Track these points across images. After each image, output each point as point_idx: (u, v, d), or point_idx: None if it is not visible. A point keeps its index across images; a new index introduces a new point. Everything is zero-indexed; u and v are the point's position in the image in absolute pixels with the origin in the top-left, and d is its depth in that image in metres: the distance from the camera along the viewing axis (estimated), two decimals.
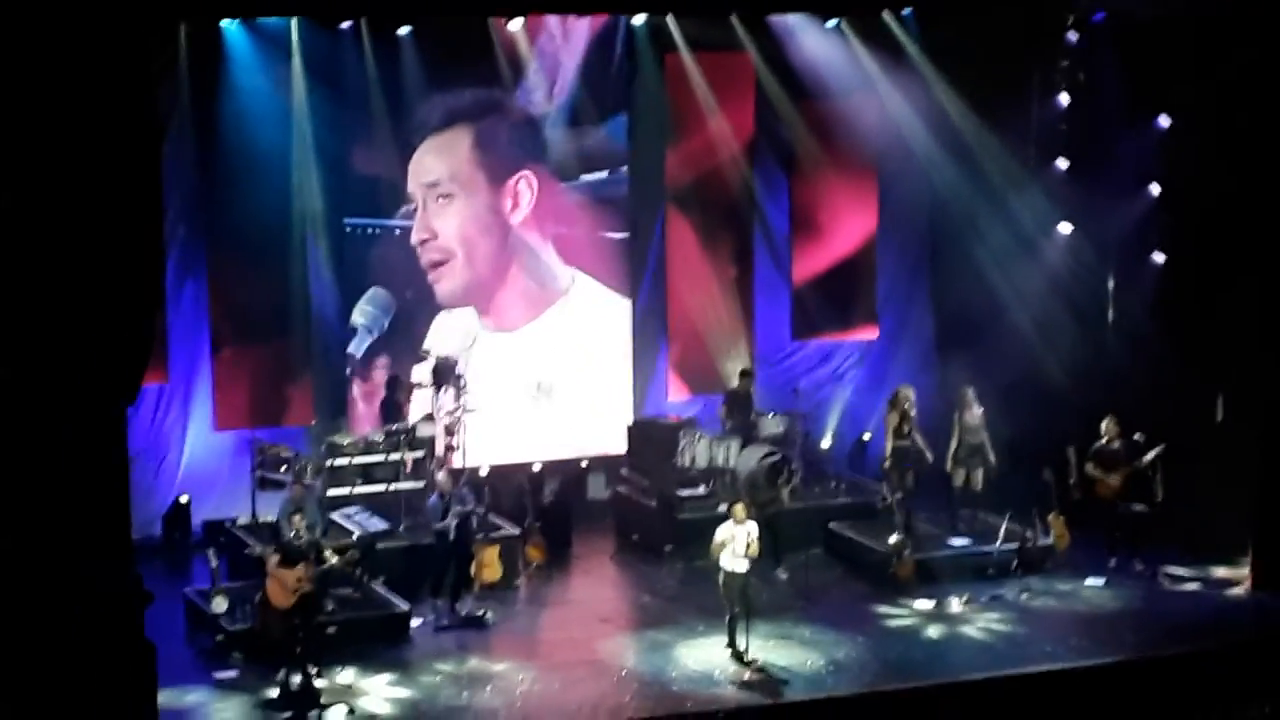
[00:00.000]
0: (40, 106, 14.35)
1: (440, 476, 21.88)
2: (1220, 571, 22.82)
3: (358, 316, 24.74)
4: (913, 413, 23.65)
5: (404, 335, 24.99)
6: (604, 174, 25.89)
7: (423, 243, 24.99)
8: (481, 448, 24.60)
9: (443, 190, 24.99)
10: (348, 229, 24.57)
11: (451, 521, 21.14)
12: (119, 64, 14.74)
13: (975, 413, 23.82)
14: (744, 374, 25.23)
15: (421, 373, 24.34)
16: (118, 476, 15.71)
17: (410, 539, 22.17)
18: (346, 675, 19.48)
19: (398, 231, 24.87)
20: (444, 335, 25.13)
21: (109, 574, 15.66)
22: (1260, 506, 22.41)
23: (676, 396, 26.42)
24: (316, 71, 23.86)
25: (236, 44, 23.39)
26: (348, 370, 24.74)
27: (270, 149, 23.77)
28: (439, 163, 24.96)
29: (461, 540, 21.33)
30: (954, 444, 23.78)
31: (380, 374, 24.57)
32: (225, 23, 23.00)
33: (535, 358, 25.77)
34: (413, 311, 25.08)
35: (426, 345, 24.84)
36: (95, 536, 15.33)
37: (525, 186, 25.44)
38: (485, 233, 25.30)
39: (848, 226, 27.11)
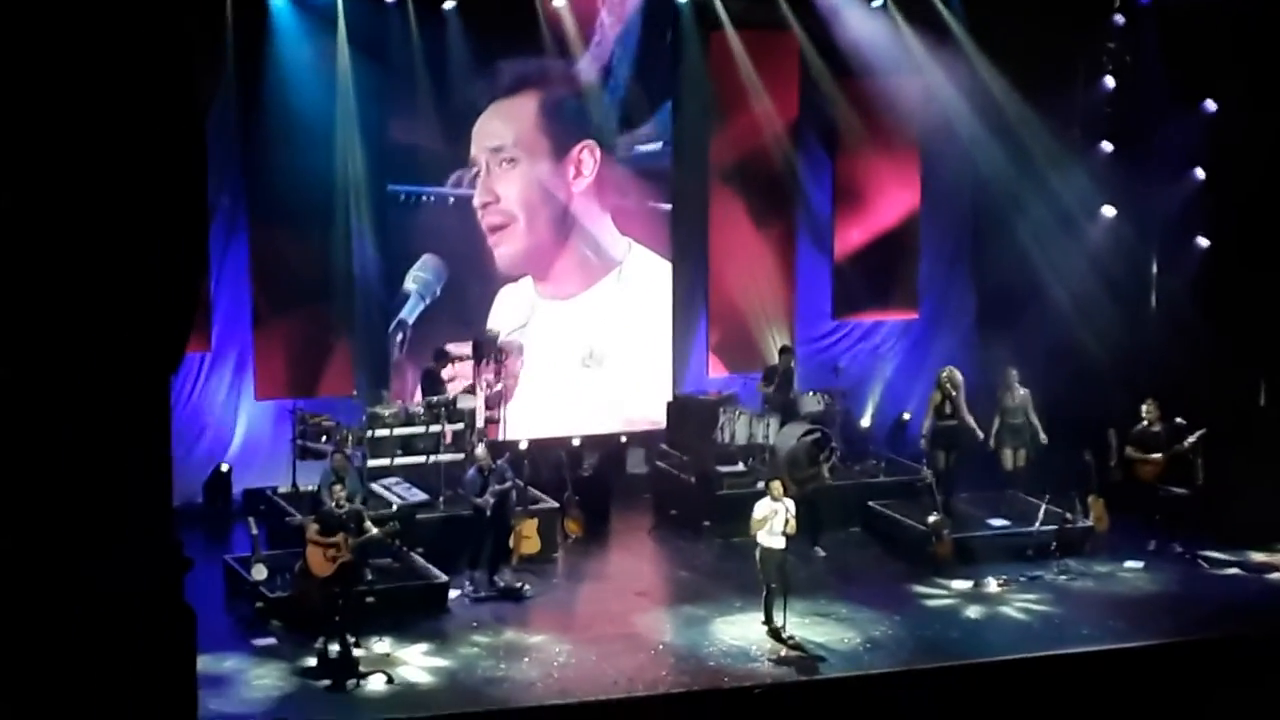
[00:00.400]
0: (87, 75, 14.42)
1: (479, 450, 21.93)
2: (1259, 556, 22.76)
3: (410, 283, 24.85)
4: (955, 393, 23.63)
5: (451, 305, 25.09)
6: (657, 145, 25.99)
7: (485, 206, 25.12)
8: (522, 421, 24.69)
9: (507, 155, 25.13)
10: (396, 196, 24.67)
11: (489, 499, 21.21)
12: (165, 34, 14.80)
13: (1018, 394, 23.81)
14: (784, 350, 25.23)
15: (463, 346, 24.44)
16: (160, 443, 15.77)
17: (449, 510, 22.23)
18: (384, 645, 19.53)
19: (451, 200, 24.97)
20: (504, 311, 25.29)
21: (151, 540, 15.76)
22: None
23: (717, 373, 26.42)
24: (361, 43, 23.96)
25: (282, 15, 23.54)
26: (399, 338, 24.80)
27: (314, 119, 23.85)
28: (505, 127, 25.12)
29: (500, 514, 21.39)
30: (995, 424, 23.77)
31: (424, 344, 24.65)
32: None
33: (587, 327, 25.91)
34: (463, 280, 25.14)
35: (491, 325, 24.95)
36: (137, 503, 15.43)
37: (588, 155, 25.58)
38: (547, 200, 25.45)
39: (890, 206, 27.09)
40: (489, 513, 21.23)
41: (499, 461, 21.72)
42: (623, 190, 25.89)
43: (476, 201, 25.06)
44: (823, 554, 22.48)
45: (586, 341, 25.88)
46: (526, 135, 25.24)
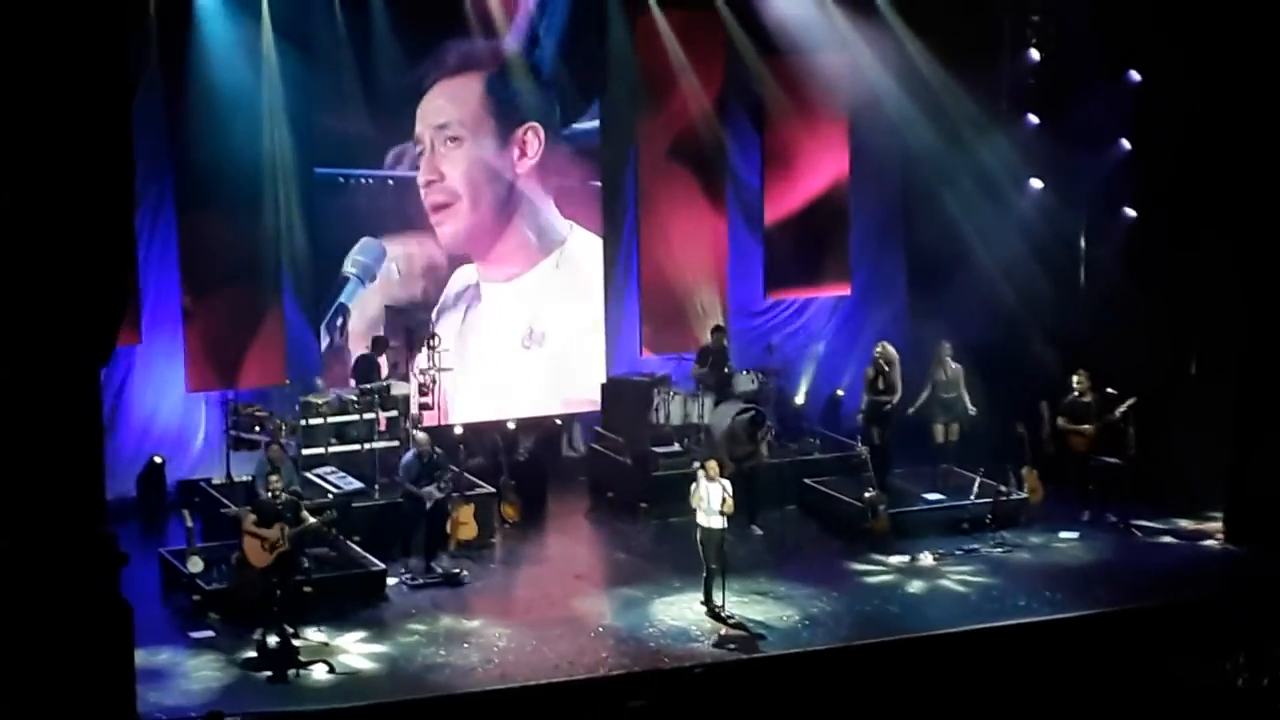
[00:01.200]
0: (8, 64, 14.28)
1: (419, 435, 21.89)
2: (1193, 524, 22.92)
3: (349, 267, 24.76)
4: (888, 369, 23.71)
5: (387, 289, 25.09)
6: (593, 124, 26.04)
7: (429, 184, 25.11)
8: (457, 405, 24.64)
9: (452, 133, 25.12)
10: (326, 179, 24.56)
11: (434, 490, 21.19)
12: (89, 21, 14.67)
13: (951, 368, 23.89)
14: (716, 330, 25.22)
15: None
16: (91, 437, 15.68)
17: (385, 498, 22.17)
18: (324, 634, 19.47)
19: (391, 182, 24.96)
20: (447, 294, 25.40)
21: (84, 535, 15.66)
22: (1233, 459, 22.50)
23: (650, 354, 26.40)
24: (285, 27, 23.81)
25: (204, 1, 23.35)
26: (338, 323, 24.72)
27: (240, 104, 23.67)
28: (451, 106, 25.12)
29: (437, 501, 21.39)
30: (924, 397, 23.85)
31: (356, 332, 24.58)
32: None
33: (525, 308, 25.90)
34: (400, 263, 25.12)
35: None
36: (70, 497, 15.32)
37: (533, 136, 25.57)
38: (491, 179, 25.45)
39: (820, 182, 27.09)
40: (429, 504, 21.23)
41: (438, 451, 21.69)
42: (563, 170, 25.89)
43: (420, 179, 25.04)
44: (760, 532, 22.51)
45: (526, 322, 25.82)
46: (471, 115, 25.23)
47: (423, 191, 25.09)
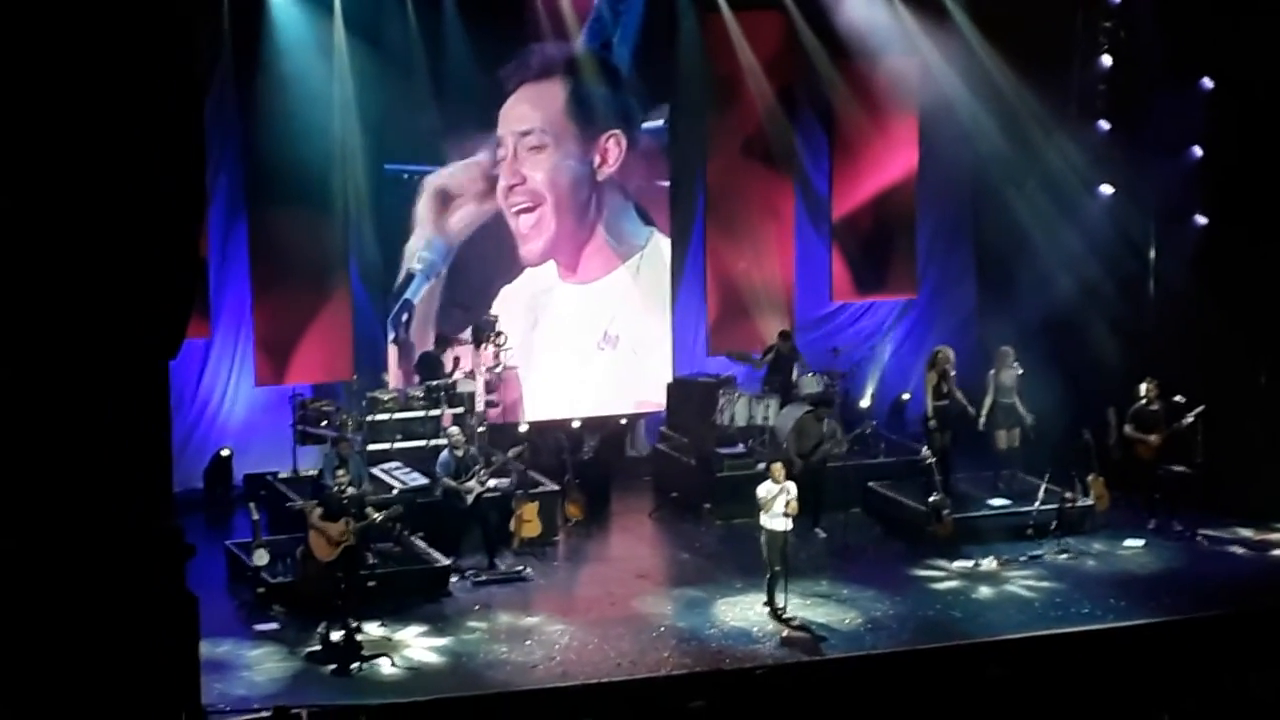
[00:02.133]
0: (83, 60, 14.39)
1: (452, 430, 22.00)
2: (1260, 534, 22.77)
3: (414, 263, 24.83)
4: (952, 372, 23.64)
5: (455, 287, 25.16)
6: (659, 123, 26.06)
7: (510, 188, 25.19)
8: (523, 404, 24.71)
9: (535, 141, 25.18)
10: (395, 176, 24.67)
11: (474, 483, 21.27)
12: (162, 17, 14.78)
13: (1011, 373, 23.78)
14: (783, 334, 25.23)
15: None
16: (159, 430, 15.79)
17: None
18: (387, 629, 19.56)
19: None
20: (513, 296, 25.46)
21: (152, 527, 15.77)
22: None
23: (716, 355, 26.40)
24: (356, 23, 23.93)
25: None
26: (404, 318, 24.79)
27: (311, 100, 23.82)
28: (534, 112, 25.22)
29: (490, 497, 21.52)
30: (988, 403, 23.75)
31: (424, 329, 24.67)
32: None
33: (598, 311, 26.02)
34: (463, 262, 25.18)
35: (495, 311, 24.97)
36: (138, 490, 15.43)
37: (614, 144, 25.64)
38: (574, 186, 25.54)
39: (889, 187, 27.03)
40: (470, 500, 21.29)
41: (472, 448, 21.77)
42: (635, 172, 25.99)
43: (502, 183, 25.12)
44: (823, 535, 22.48)
45: (602, 325, 25.93)
46: (554, 121, 25.32)
47: (504, 195, 25.17)
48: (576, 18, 25.04)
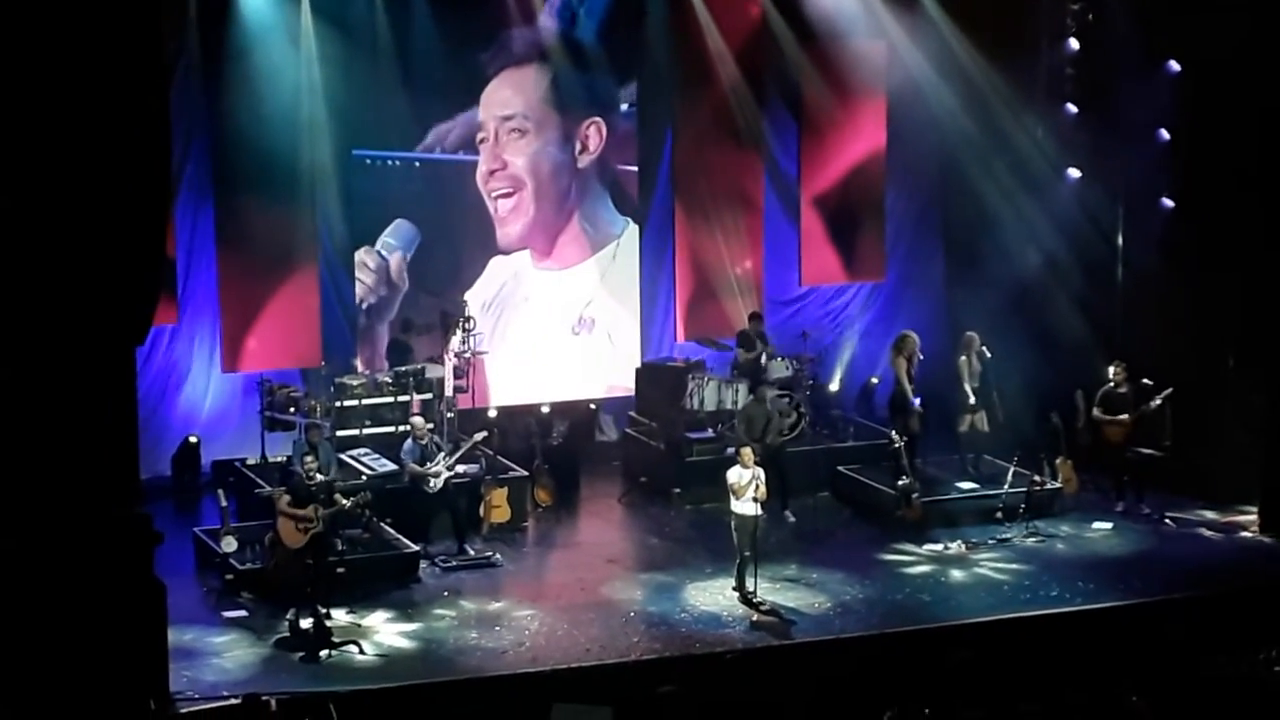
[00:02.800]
0: (48, 49, 14.35)
1: (415, 420, 21.98)
2: (1227, 516, 22.84)
3: (380, 249, 24.79)
4: (920, 357, 23.67)
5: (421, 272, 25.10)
6: (625, 106, 26.11)
7: (491, 173, 25.23)
8: (491, 389, 24.67)
9: (516, 125, 25.19)
10: (362, 161, 24.63)
11: (443, 473, 21.25)
12: (126, 5, 14.73)
13: (977, 357, 23.80)
14: (753, 316, 25.24)
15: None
16: (125, 417, 15.76)
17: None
18: (356, 615, 19.52)
19: (417, 164, 24.99)
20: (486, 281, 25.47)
21: (119, 514, 15.75)
22: (1269, 450, 22.42)
23: (685, 339, 26.40)
24: (323, 8, 23.84)
25: None
26: (367, 305, 24.78)
27: (278, 86, 23.73)
28: (517, 97, 25.25)
29: (457, 482, 21.50)
30: (968, 388, 23.75)
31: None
32: None
33: (574, 296, 26.03)
34: (433, 246, 25.15)
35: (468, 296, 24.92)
36: (104, 477, 15.39)
37: (595, 132, 25.68)
38: (554, 172, 25.55)
39: (857, 171, 27.02)
40: (436, 486, 21.28)
41: (435, 435, 21.82)
42: (614, 156, 26.05)
43: (482, 168, 25.15)
44: (792, 519, 22.50)
45: (574, 310, 25.96)
46: (535, 107, 25.32)
47: (483, 179, 25.16)
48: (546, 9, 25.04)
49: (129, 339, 15.77)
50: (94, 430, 15.31)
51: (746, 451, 20.22)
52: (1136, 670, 18.14)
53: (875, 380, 26.59)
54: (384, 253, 24.76)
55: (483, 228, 25.39)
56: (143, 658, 15.80)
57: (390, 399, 22.95)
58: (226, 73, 23.53)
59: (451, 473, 21.49)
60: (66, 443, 15.13)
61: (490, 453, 22.59)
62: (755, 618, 19.61)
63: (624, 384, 25.88)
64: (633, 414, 25.18)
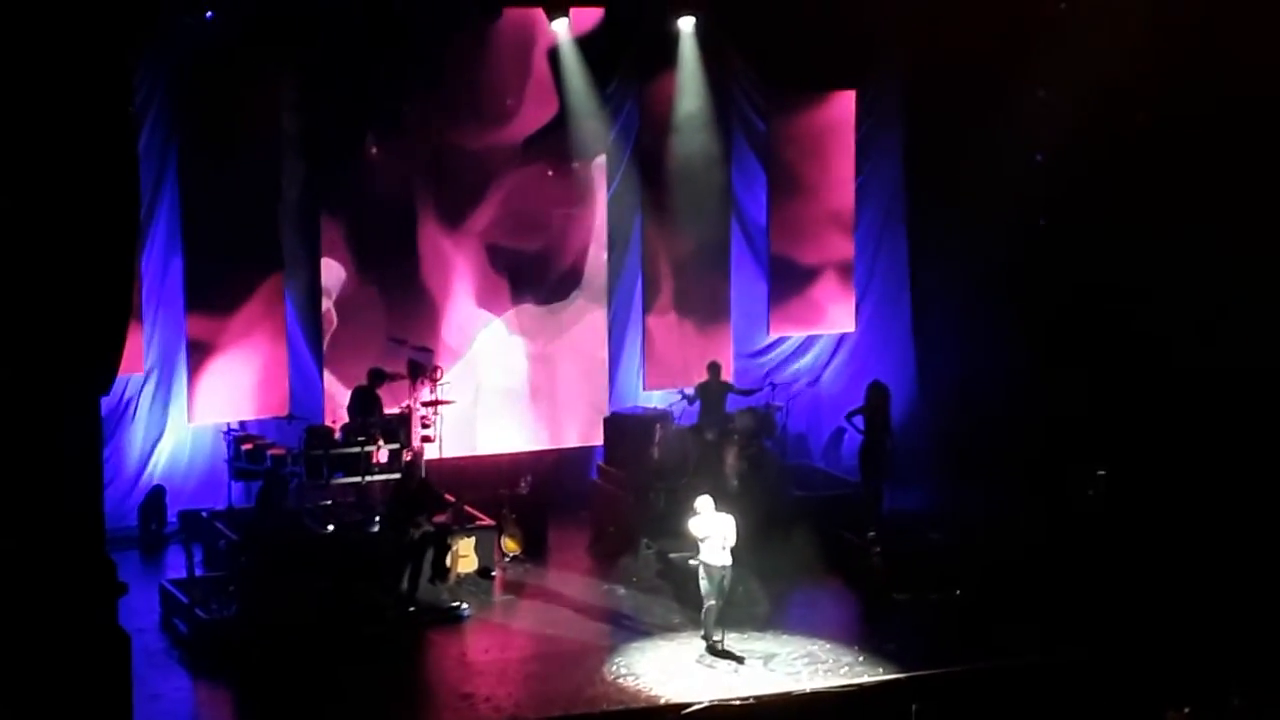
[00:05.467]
0: (12, 95, 14.31)
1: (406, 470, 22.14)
2: None
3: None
4: (888, 407, 23.74)
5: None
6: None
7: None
8: (458, 439, 24.62)
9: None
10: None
11: (421, 519, 21.31)
12: (94, 53, 14.71)
13: None
14: (712, 366, 25.20)
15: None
16: (90, 466, 15.67)
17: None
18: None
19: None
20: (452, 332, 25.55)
21: (82, 564, 15.65)
22: None
23: (652, 389, 26.41)
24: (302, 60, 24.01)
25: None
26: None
27: (251, 137, 23.78)
28: None
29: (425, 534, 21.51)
30: None
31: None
32: None
33: (535, 345, 26.15)
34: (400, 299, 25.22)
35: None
36: (68, 527, 15.30)
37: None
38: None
39: (826, 218, 27.12)
40: (416, 535, 21.29)
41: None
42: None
43: None
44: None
45: (541, 359, 26.10)
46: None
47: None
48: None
49: (95, 388, 15.70)
50: (58, 478, 15.22)
51: (704, 500, 20.14)
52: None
53: (843, 429, 26.57)
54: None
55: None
56: (106, 708, 15.67)
57: (357, 449, 22.87)
58: (198, 123, 23.54)
59: (431, 527, 21.50)
60: (30, 491, 15.04)
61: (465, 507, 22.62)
62: (724, 668, 19.52)
63: (592, 434, 25.86)
64: (601, 464, 25.15)
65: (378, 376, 23.70)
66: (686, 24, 25.73)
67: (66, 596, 15.25)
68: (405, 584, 21.26)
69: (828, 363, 27.45)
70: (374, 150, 24.67)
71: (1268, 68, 21.80)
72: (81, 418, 15.45)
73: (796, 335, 27.36)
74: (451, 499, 22.30)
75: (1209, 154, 22.42)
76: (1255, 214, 22.02)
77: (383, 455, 22.83)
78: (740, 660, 19.70)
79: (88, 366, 15.20)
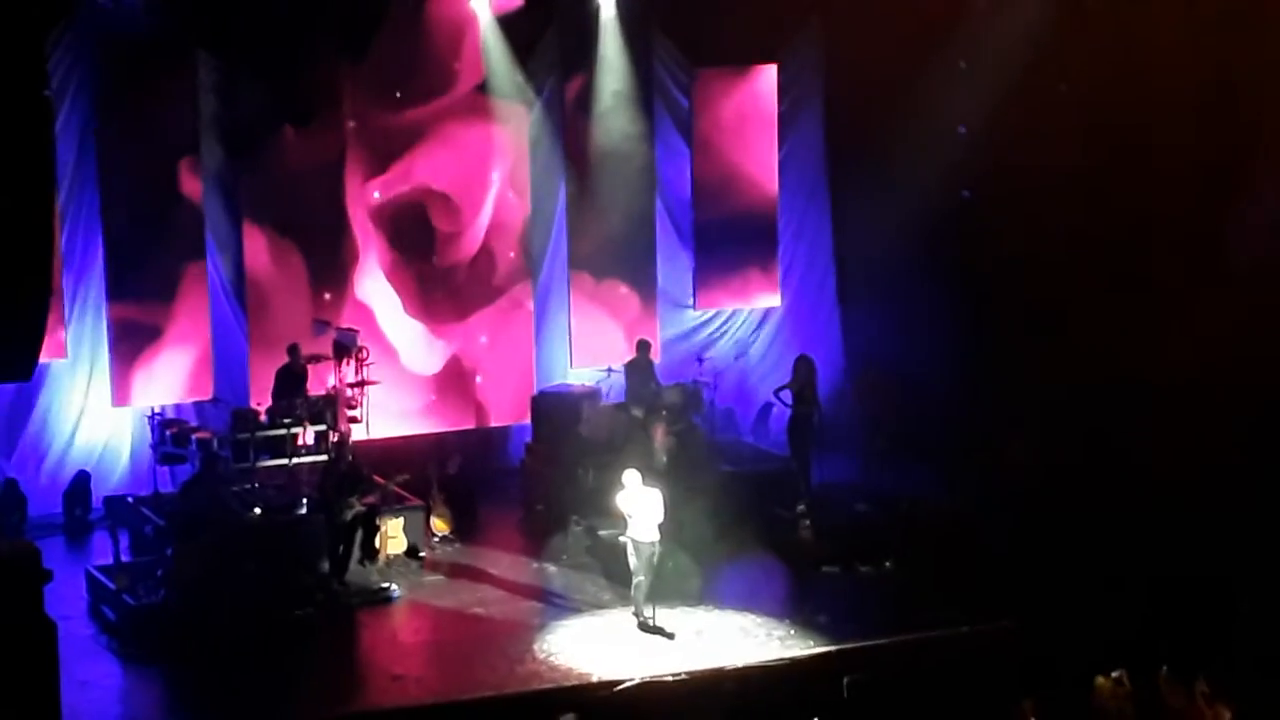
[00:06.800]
0: None
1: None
2: None
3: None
4: (815, 379, 23.80)
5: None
6: None
7: None
8: (385, 419, 24.55)
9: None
10: None
11: (353, 500, 21.23)
12: (10, 35, 14.59)
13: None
14: (641, 344, 25.22)
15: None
16: None
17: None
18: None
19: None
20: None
21: (8, 553, 15.59)
22: None
23: (580, 367, 26.39)
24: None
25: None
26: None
27: (171, 102, 23.76)
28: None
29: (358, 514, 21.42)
30: None
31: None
32: None
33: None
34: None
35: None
36: None
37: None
38: None
39: (749, 192, 27.16)
40: (348, 516, 21.22)
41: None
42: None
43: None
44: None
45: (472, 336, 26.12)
46: None
47: None
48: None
49: (15, 375, 15.60)
50: None
51: (630, 474, 20.12)
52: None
53: (771, 404, 26.61)
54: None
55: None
56: (33, 698, 15.58)
57: (283, 431, 22.76)
58: (114, 88, 23.35)
59: (364, 508, 21.42)
60: None
61: (394, 488, 22.52)
62: (654, 644, 19.53)
63: (520, 412, 25.84)
64: (529, 442, 25.12)
65: (296, 353, 23.52)
66: (607, 1, 25.69)
67: None
68: (334, 566, 21.17)
69: (753, 337, 27.45)
70: (292, 131, 24.47)
71: (1180, 37, 21.92)
72: None
73: (722, 310, 27.36)
74: (381, 480, 22.18)
75: (1129, 123, 22.53)
76: (1173, 183, 22.14)
77: (309, 437, 22.75)
78: (671, 636, 19.69)
79: (8, 354, 15.09)
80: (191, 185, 24.04)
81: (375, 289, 25.35)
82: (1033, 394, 23.35)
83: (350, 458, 21.89)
